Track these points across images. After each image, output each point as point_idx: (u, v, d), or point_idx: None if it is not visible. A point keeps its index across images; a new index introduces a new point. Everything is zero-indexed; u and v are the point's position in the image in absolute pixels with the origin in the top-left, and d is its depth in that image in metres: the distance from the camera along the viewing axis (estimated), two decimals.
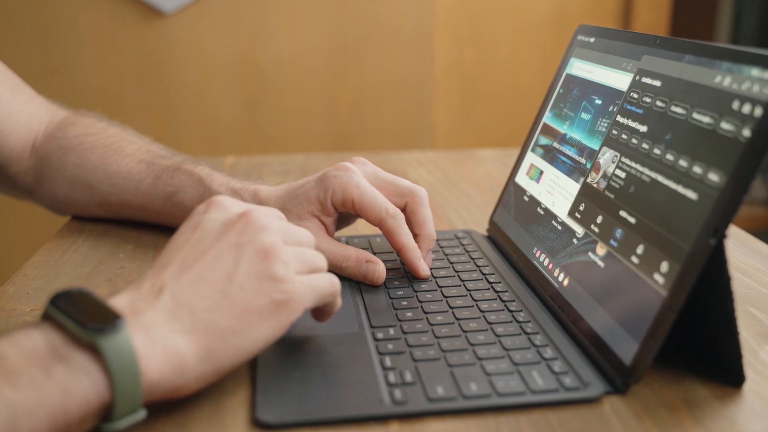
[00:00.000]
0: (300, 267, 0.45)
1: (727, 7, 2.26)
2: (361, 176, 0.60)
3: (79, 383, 0.36)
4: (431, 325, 0.52)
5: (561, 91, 0.67)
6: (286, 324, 0.43)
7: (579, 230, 0.55)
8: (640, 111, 0.53)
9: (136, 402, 0.38)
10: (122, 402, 0.37)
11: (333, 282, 0.47)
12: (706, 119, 0.45)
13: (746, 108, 0.42)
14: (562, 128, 0.64)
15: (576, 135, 0.61)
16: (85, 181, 0.71)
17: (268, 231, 0.44)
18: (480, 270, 0.62)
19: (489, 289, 0.58)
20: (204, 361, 0.40)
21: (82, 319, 0.37)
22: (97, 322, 0.37)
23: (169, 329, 0.40)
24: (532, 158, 0.68)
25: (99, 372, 0.36)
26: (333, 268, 0.59)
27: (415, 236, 0.61)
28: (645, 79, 0.53)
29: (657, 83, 0.52)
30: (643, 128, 0.51)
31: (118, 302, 0.41)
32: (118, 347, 0.37)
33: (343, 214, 0.63)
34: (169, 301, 0.41)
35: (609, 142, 0.55)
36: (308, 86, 1.73)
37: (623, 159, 0.52)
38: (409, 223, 0.61)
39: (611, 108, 0.57)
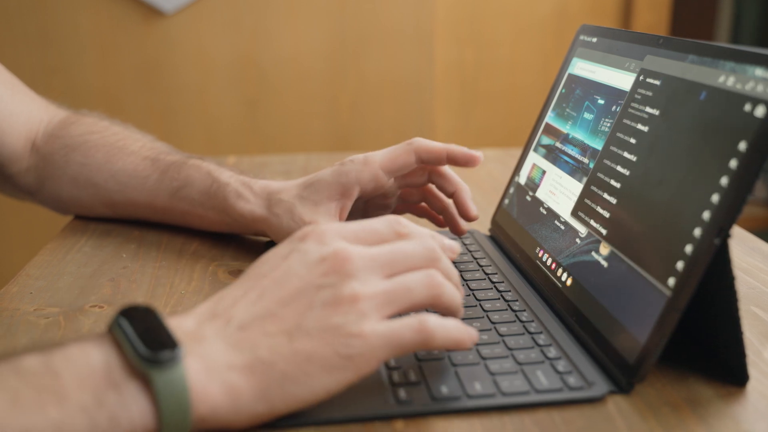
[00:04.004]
0: (390, 309, 0.41)
1: (727, 7, 2.26)
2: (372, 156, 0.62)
3: (127, 412, 0.35)
4: None
5: (563, 91, 0.67)
6: (352, 379, 0.40)
7: (582, 230, 0.55)
8: (643, 111, 0.53)
9: None
10: None
11: (422, 329, 0.40)
12: (709, 119, 0.45)
13: (750, 108, 0.42)
14: (565, 128, 0.64)
15: (579, 135, 0.61)
16: (89, 179, 0.71)
17: (356, 277, 0.40)
18: (483, 270, 0.62)
19: (492, 288, 0.58)
20: (260, 401, 0.38)
21: (141, 344, 0.36)
22: (155, 350, 0.36)
23: (228, 363, 0.38)
24: (534, 158, 0.68)
25: (148, 404, 0.36)
26: None
27: (454, 193, 0.65)
28: (648, 79, 0.54)
29: (660, 83, 0.52)
30: (646, 128, 0.51)
31: (184, 324, 0.40)
32: (171, 383, 0.36)
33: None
34: (235, 333, 0.39)
35: (612, 141, 0.55)
36: (308, 86, 1.73)
37: (626, 158, 0.52)
38: (441, 187, 0.66)
39: (614, 108, 0.57)
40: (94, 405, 0.35)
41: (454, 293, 0.44)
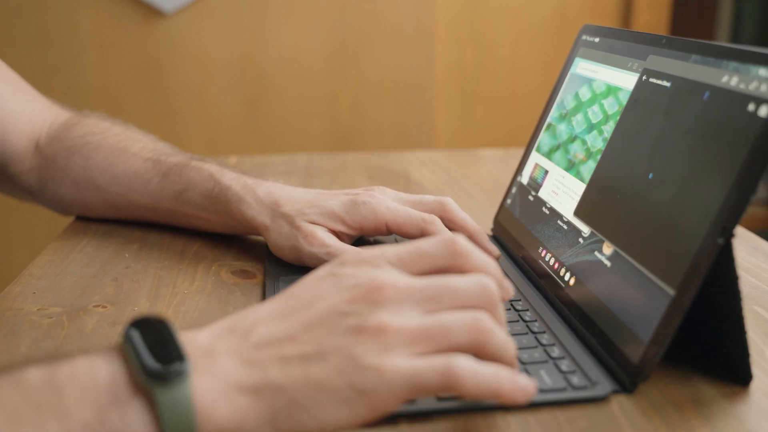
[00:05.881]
0: (421, 348, 0.37)
1: (727, 7, 2.26)
2: (388, 200, 0.62)
3: (129, 431, 0.34)
4: None
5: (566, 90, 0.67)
6: (367, 416, 0.36)
7: (585, 229, 0.55)
8: (646, 111, 0.53)
9: None
10: None
11: (448, 373, 0.36)
12: (712, 119, 0.45)
13: (753, 107, 0.42)
14: (568, 128, 0.64)
15: (581, 134, 0.61)
16: (91, 181, 0.71)
17: (386, 307, 0.37)
18: None
19: None
20: (267, 426, 0.36)
21: (149, 357, 0.35)
22: (161, 364, 0.34)
23: (237, 382, 0.36)
24: (536, 158, 0.68)
25: (151, 423, 0.34)
26: None
27: (470, 240, 0.62)
28: (651, 79, 0.54)
29: (663, 83, 0.52)
30: (649, 128, 0.51)
31: (198, 338, 0.37)
32: (175, 401, 0.34)
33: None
34: (250, 351, 0.37)
35: (615, 141, 0.55)
36: (308, 86, 1.73)
37: (629, 158, 0.53)
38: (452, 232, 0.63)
39: (617, 108, 0.57)
40: (96, 422, 0.33)
41: (504, 343, 0.39)
